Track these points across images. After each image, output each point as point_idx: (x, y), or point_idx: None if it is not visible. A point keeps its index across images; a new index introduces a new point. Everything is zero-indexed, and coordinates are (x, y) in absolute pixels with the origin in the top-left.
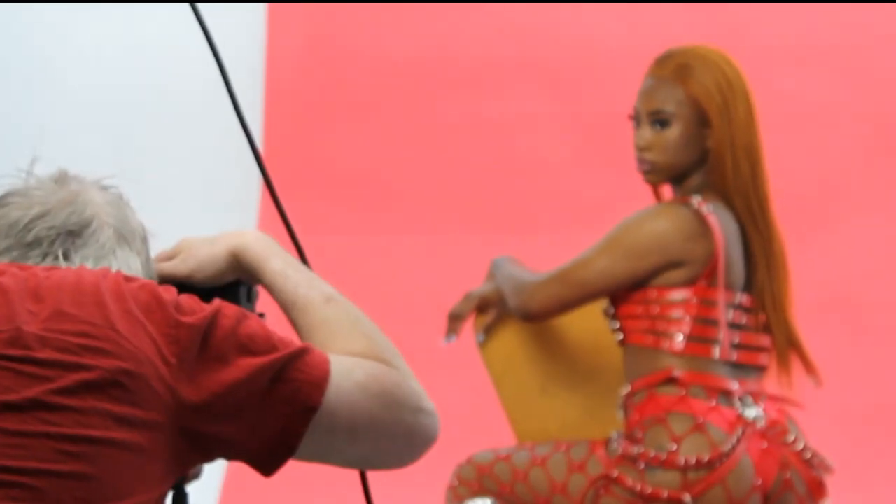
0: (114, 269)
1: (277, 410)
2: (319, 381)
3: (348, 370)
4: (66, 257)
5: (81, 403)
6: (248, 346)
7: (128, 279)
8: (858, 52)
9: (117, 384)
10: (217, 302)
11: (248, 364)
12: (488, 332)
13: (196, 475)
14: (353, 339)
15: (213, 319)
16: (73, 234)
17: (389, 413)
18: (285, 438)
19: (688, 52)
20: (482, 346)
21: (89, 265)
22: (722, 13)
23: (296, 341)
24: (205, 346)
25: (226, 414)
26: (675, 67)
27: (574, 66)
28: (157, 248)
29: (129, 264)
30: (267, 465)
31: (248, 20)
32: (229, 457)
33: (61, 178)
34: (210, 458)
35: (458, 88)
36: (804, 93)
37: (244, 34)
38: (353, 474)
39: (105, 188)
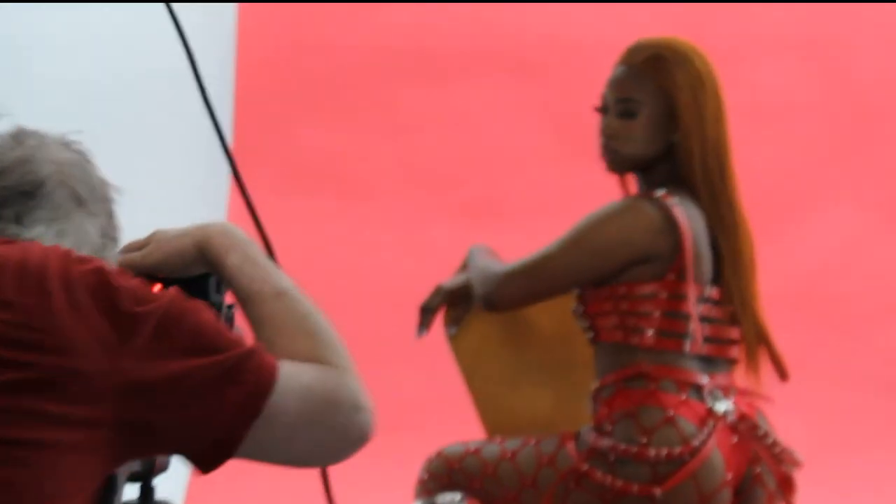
0: (68, 234)
1: (221, 411)
2: (265, 387)
3: (292, 375)
4: (19, 220)
5: (13, 403)
6: (197, 343)
7: (80, 260)
8: (830, 46)
9: (55, 383)
10: (172, 292)
11: (195, 361)
12: (459, 324)
13: (163, 468)
14: (297, 336)
15: (165, 311)
16: (26, 195)
17: (328, 415)
18: (226, 440)
19: (661, 43)
20: (453, 339)
21: (41, 229)
22: (693, 6)
23: (247, 341)
24: (154, 336)
25: (168, 405)
26: (647, 57)
27: (543, 58)
28: (127, 240)
29: (84, 229)
30: (205, 463)
31: (219, 14)
32: (166, 451)
33: (19, 135)
34: (148, 451)
35: (428, 80)
36: (774, 86)
37: (214, 27)
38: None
39: (67, 145)
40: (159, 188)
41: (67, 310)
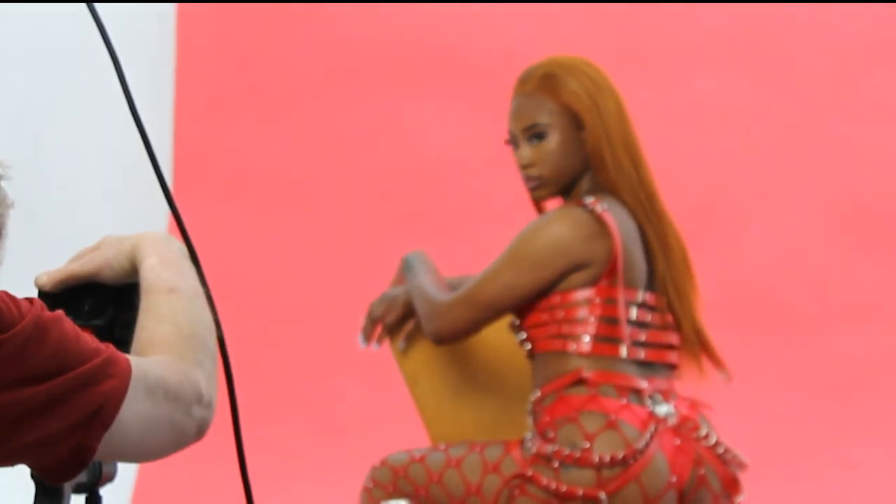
0: None
1: (71, 425)
2: (118, 397)
3: (142, 375)
4: None
5: None
6: (54, 359)
7: None
8: (771, 52)
9: None
10: (31, 313)
11: (48, 384)
12: (409, 338)
13: (110, 478)
14: (166, 326)
15: (24, 334)
16: None
17: (170, 410)
18: (79, 453)
19: (546, 63)
20: (401, 351)
21: None
22: (635, 16)
23: (102, 351)
24: (13, 357)
25: (17, 420)
26: (538, 80)
27: (488, 66)
28: (75, 248)
29: None
30: (57, 477)
31: (158, 21)
32: (16, 463)
33: None
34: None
35: (371, 88)
36: (715, 92)
37: (154, 35)
38: (268, 476)
39: None
40: (100, 198)
41: None
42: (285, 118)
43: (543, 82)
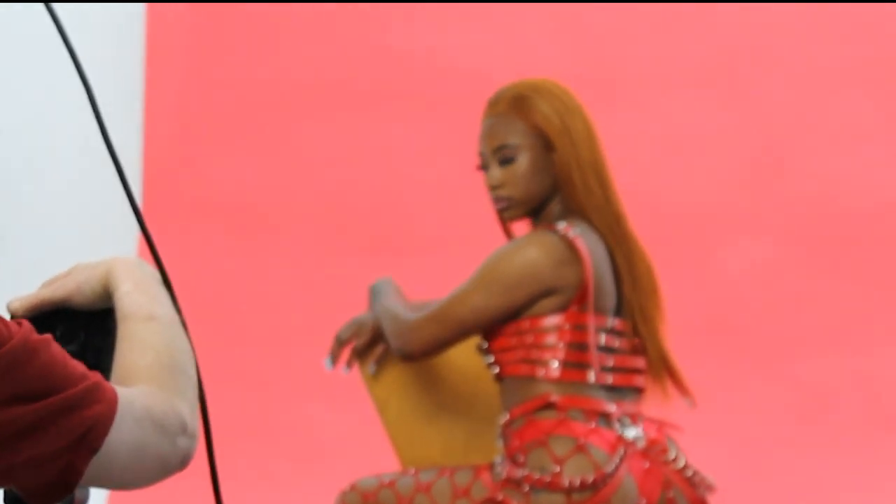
0: None
1: (60, 447)
2: (106, 423)
3: (129, 403)
4: None
5: None
6: (42, 380)
7: None
8: (741, 77)
9: None
10: (19, 334)
11: (34, 405)
12: (379, 362)
13: (83, 499)
14: (147, 355)
15: (12, 353)
16: None
17: (155, 440)
18: (65, 477)
19: (517, 85)
20: (371, 375)
21: None
22: (604, 38)
23: (90, 376)
24: (0, 375)
25: (4, 441)
26: (508, 102)
27: (453, 92)
28: (46, 274)
29: None
30: (43, 499)
31: (125, 47)
32: (3, 485)
33: None
34: None
35: (337, 113)
36: (685, 116)
37: (121, 61)
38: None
39: None
40: (70, 222)
41: None
42: (252, 144)
43: (514, 104)
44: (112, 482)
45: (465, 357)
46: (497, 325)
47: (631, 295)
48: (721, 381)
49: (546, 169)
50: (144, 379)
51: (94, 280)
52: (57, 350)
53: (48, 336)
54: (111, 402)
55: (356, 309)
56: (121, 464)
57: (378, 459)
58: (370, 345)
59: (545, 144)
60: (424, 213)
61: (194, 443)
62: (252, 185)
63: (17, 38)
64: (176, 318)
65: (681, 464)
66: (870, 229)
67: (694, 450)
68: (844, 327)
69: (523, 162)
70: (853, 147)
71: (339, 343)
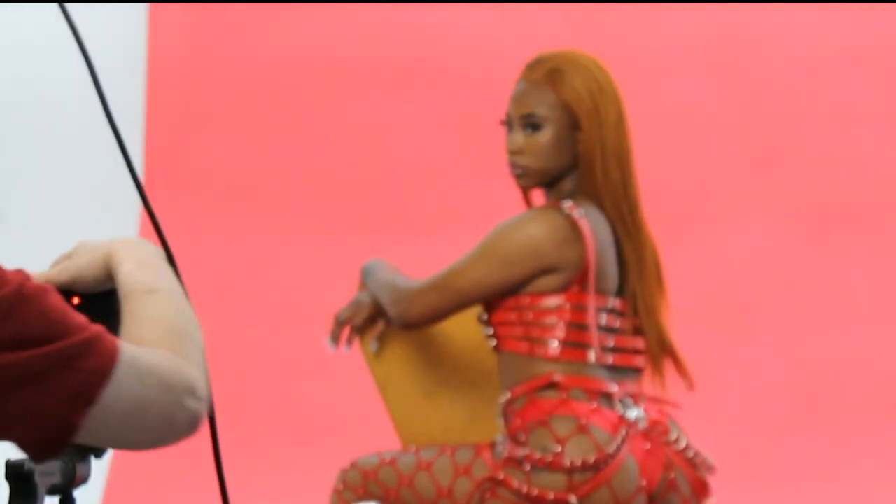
0: None
1: (56, 398)
2: (103, 374)
3: (132, 359)
4: None
5: None
6: (38, 328)
7: None
8: (740, 58)
9: None
10: (16, 280)
11: (30, 352)
12: (380, 339)
13: (83, 479)
14: (153, 326)
15: (7, 298)
16: None
17: (161, 399)
18: (61, 429)
19: (559, 56)
20: (372, 352)
21: None
22: (605, 20)
23: (90, 327)
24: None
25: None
26: (546, 72)
27: (454, 70)
28: (49, 250)
29: None
30: (39, 452)
31: (129, 25)
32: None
33: None
34: None
35: (339, 91)
36: (685, 97)
37: (125, 39)
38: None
39: None
40: (75, 199)
41: None
42: (255, 119)
43: (550, 74)
44: (112, 440)
45: (467, 335)
46: (497, 298)
47: (636, 283)
48: (722, 361)
49: (568, 146)
50: (152, 346)
51: (96, 264)
52: (56, 299)
53: (48, 286)
54: (111, 354)
55: (357, 288)
56: (120, 420)
57: (379, 438)
58: (369, 321)
59: (572, 122)
60: (425, 193)
61: (204, 406)
62: (253, 164)
63: (20, 15)
64: (180, 290)
65: (682, 445)
66: (871, 209)
67: (695, 431)
68: (846, 307)
69: (547, 134)
70: (854, 127)
71: (339, 323)
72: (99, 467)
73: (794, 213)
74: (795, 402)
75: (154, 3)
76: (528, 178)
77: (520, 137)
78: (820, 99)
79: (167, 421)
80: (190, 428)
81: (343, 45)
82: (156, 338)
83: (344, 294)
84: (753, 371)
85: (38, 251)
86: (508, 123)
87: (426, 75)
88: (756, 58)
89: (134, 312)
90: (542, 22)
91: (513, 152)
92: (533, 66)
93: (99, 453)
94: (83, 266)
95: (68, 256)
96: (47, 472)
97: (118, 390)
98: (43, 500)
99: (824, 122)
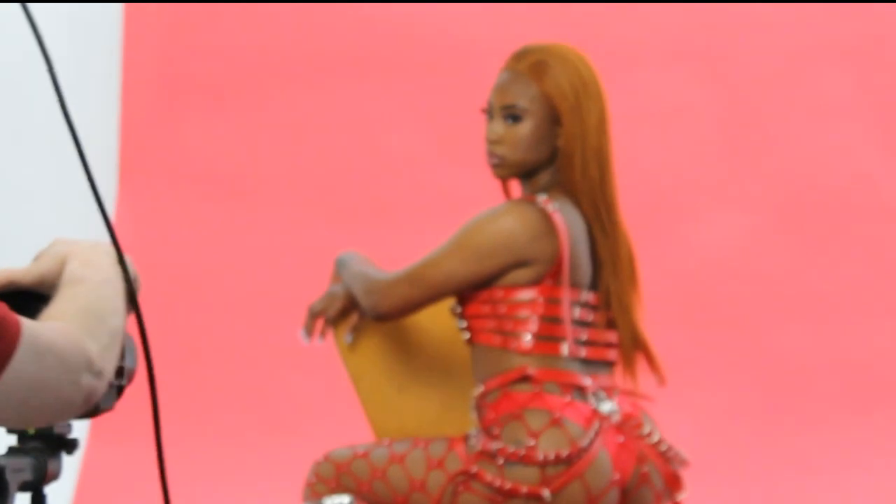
0: None
1: None
2: (5, 353)
3: (33, 335)
4: None
5: None
6: None
7: None
8: (718, 52)
9: None
10: None
11: None
12: (354, 332)
13: (54, 476)
14: (61, 307)
15: None
16: None
17: (56, 376)
18: None
19: (545, 49)
20: (347, 345)
21: None
22: (581, 13)
23: None
24: None
25: None
26: (531, 63)
27: (429, 60)
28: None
29: None
30: None
31: (104, 14)
32: None
33: None
34: None
35: (313, 81)
36: (663, 90)
37: (101, 30)
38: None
39: None
40: (45, 192)
41: None
42: (228, 112)
43: (535, 67)
44: (10, 419)
45: (440, 328)
46: (470, 291)
47: (611, 281)
48: (696, 355)
49: (547, 140)
50: (56, 320)
51: (56, 266)
52: None
53: None
54: (11, 336)
55: (330, 280)
56: (19, 399)
57: (352, 430)
58: (343, 314)
59: (553, 116)
60: (401, 185)
61: (101, 382)
62: (229, 153)
63: None
64: (112, 281)
65: (655, 438)
66: (845, 204)
67: (668, 424)
68: (820, 301)
69: (527, 126)
70: (830, 123)
71: (313, 315)
72: (70, 463)
73: (770, 207)
74: (768, 396)
75: (129, 2)
76: (504, 169)
77: (500, 127)
78: (797, 94)
79: (63, 397)
80: (85, 403)
81: (319, 37)
82: (63, 315)
83: (319, 285)
84: (727, 365)
85: (9, 243)
86: (490, 112)
87: (403, 67)
88: (733, 52)
89: (56, 297)
90: (520, 16)
91: (492, 141)
92: (518, 57)
93: (70, 450)
94: (44, 269)
95: (39, 256)
96: (18, 468)
97: (17, 371)
98: (14, 497)
99: (801, 117)
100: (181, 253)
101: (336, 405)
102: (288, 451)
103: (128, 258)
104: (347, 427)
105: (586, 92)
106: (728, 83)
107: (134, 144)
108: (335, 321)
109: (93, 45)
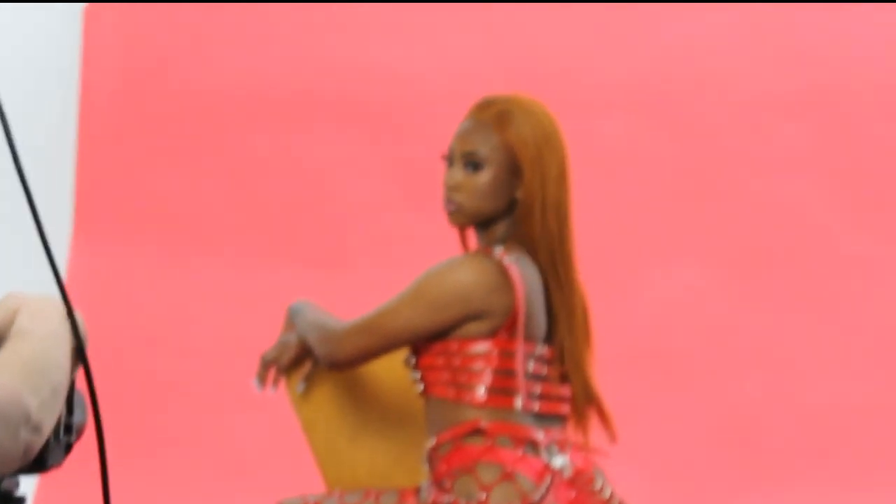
0: None
1: None
2: None
3: None
4: None
5: None
6: None
7: None
8: (670, 101)
9: None
10: None
11: None
12: (307, 381)
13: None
14: (3, 362)
15: None
16: None
17: None
18: None
19: (510, 100)
20: (299, 394)
21: None
22: (535, 57)
23: None
24: None
25: None
26: (495, 113)
27: (388, 105)
28: None
29: None
30: None
31: (61, 57)
32: None
33: None
34: None
35: (271, 125)
36: (618, 138)
37: (56, 70)
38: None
39: None
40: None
41: None
42: (185, 156)
43: (499, 117)
44: None
45: (394, 378)
46: (425, 342)
47: (564, 335)
48: (648, 407)
49: (506, 190)
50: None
51: (6, 320)
52: None
53: None
54: None
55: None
56: None
57: (303, 479)
58: (296, 362)
59: (513, 167)
60: (357, 230)
61: (39, 437)
62: (184, 196)
63: None
64: (59, 335)
65: (607, 494)
66: (798, 256)
67: (621, 479)
68: (774, 353)
69: (486, 175)
70: (784, 174)
71: (265, 364)
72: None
73: (723, 259)
74: (723, 449)
75: (87, 36)
76: (461, 216)
77: (459, 174)
78: (751, 145)
79: (1, 453)
80: (24, 457)
81: (277, 75)
82: (4, 368)
83: (273, 328)
84: (681, 417)
85: None
86: (450, 158)
87: (360, 111)
88: (687, 100)
89: (2, 350)
90: (468, 55)
91: (450, 188)
92: (482, 106)
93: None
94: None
95: None
96: None
97: None
98: None
99: (755, 169)
100: (136, 300)
101: (287, 454)
102: (239, 499)
103: (77, 313)
104: (298, 476)
105: (548, 144)
106: (682, 131)
107: (89, 186)
108: (288, 370)
109: (48, 92)
